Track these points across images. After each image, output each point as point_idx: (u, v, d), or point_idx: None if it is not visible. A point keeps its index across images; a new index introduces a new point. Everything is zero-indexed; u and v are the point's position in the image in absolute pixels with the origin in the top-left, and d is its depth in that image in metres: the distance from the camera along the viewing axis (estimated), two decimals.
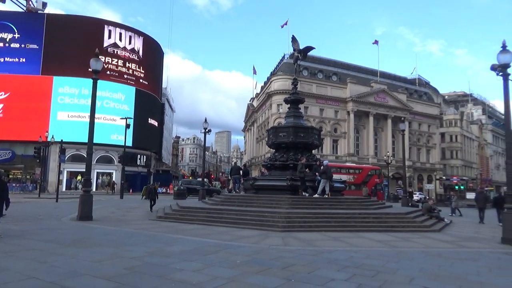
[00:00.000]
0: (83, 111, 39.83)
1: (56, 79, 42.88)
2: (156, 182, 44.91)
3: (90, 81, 13.79)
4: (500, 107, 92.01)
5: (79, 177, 41.89)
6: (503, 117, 16.59)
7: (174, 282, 5.39)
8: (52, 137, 29.99)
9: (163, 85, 63.24)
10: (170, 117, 77.19)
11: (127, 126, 32.19)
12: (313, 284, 5.54)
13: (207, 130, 25.23)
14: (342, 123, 58.14)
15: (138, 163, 48.84)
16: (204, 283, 5.36)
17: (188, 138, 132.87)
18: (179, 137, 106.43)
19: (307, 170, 16.05)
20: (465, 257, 8.36)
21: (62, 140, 28.47)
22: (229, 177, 25.73)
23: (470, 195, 39.74)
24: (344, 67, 64.96)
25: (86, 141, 14.12)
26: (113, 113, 43.94)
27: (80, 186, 37.74)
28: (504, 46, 11.55)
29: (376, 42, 61.24)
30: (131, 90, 47.35)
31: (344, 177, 32.80)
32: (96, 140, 15.55)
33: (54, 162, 39.18)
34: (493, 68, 11.85)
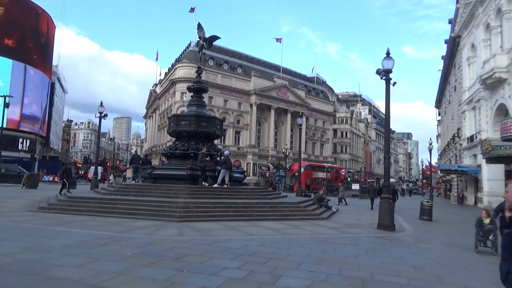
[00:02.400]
0: None
1: None
2: (42, 170, 40.83)
3: None
4: (383, 108, 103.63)
5: None
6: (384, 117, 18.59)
7: (51, 279, 4.85)
8: None
9: (54, 63, 57.05)
10: (61, 98, 70.26)
11: (6, 105, 28.28)
12: (205, 273, 5.51)
13: (103, 115, 23.43)
14: (245, 115, 59.38)
15: (20, 147, 43.49)
16: (87, 279, 4.93)
17: (82, 123, 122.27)
18: (71, 121, 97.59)
19: (207, 159, 15.97)
20: (347, 242, 9.18)
21: None
22: (129, 166, 24.44)
23: (355, 186, 43.95)
24: (249, 60, 66.24)
25: None
26: None
27: None
28: (388, 53, 12.90)
29: (278, 40, 63.39)
30: (6, 63, 41.51)
31: (324, 175, 40.67)
32: None
33: None
34: (378, 72, 13.16)
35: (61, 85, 67.03)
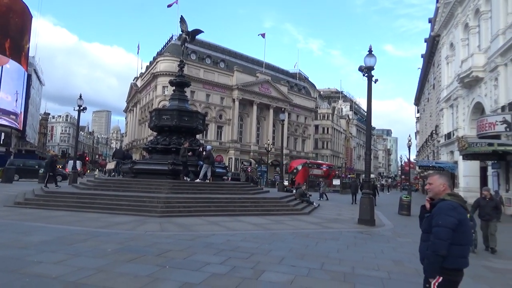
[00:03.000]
0: None
1: None
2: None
3: None
4: (363, 104, 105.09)
5: None
6: (365, 113, 18.85)
7: (29, 276, 4.73)
8: None
9: (31, 54, 55.35)
10: (38, 91, 68.35)
11: None
12: (188, 269, 5.47)
13: (81, 108, 22.91)
14: (227, 110, 59.14)
15: None
16: (66, 275, 4.83)
17: (60, 116, 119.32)
18: (48, 114, 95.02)
19: (189, 154, 15.86)
20: (328, 237, 9.29)
21: None
22: (112, 160, 24.07)
23: (336, 182, 44.50)
24: (232, 55, 65.87)
25: None
26: None
27: None
28: (370, 51, 13.04)
29: (262, 35, 63.36)
30: None
31: (319, 171, 44.85)
32: None
33: None
34: (360, 69, 13.29)
35: (38, 77, 65.18)
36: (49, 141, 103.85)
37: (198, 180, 15.35)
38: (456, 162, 28.04)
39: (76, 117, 24.19)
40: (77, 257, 5.80)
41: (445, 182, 3.07)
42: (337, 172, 71.52)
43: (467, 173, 25.92)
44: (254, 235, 8.78)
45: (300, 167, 42.45)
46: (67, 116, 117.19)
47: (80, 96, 22.70)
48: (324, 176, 44.27)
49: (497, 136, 18.54)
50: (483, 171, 24.04)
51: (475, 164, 24.72)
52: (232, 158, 57.62)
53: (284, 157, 35.71)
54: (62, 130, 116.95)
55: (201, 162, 15.75)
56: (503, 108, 19.46)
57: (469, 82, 24.32)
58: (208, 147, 16.86)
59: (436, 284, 2.81)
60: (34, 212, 10.78)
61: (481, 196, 9.13)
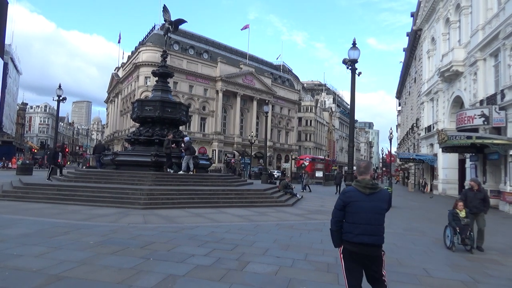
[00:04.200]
0: None
1: None
2: None
3: None
4: (346, 97, 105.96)
5: None
6: (348, 106, 18.98)
7: (9, 270, 4.62)
8: None
9: (7, 41, 53.57)
10: (15, 80, 66.32)
11: None
12: (172, 261, 5.45)
13: (61, 98, 22.39)
14: (211, 102, 58.74)
15: None
16: (48, 268, 4.74)
17: (38, 106, 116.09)
18: (26, 104, 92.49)
19: (173, 146, 15.72)
20: (312, 228, 9.38)
21: None
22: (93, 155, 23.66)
23: (319, 174, 44.91)
24: (216, 46, 65.23)
25: None
26: None
27: None
28: (354, 44, 13.12)
29: (246, 27, 62.98)
30: None
31: (321, 166, 46.98)
32: None
33: None
34: (344, 62, 13.38)
35: (15, 66, 63.22)
36: (27, 132, 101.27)
37: (181, 172, 15.25)
38: (435, 155, 28.66)
39: (55, 108, 23.64)
40: (58, 250, 5.70)
41: (355, 169, 3.54)
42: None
43: (446, 165, 26.55)
44: (238, 227, 8.80)
45: (307, 162, 46.43)
46: (45, 106, 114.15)
47: (60, 86, 22.18)
48: (323, 169, 47.28)
49: (476, 130, 19.01)
50: (462, 163, 24.65)
51: (454, 157, 25.32)
52: (215, 150, 57.44)
53: (267, 149, 35.84)
54: (41, 121, 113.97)
55: (184, 154, 15.62)
56: (481, 102, 19.93)
57: (449, 76, 24.79)
58: (186, 138, 16.57)
59: (341, 250, 3.39)
60: (13, 205, 10.53)
61: (468, 188, 8.54)
